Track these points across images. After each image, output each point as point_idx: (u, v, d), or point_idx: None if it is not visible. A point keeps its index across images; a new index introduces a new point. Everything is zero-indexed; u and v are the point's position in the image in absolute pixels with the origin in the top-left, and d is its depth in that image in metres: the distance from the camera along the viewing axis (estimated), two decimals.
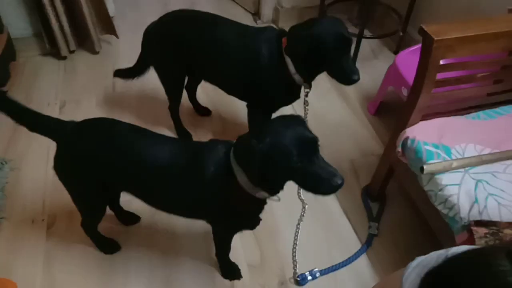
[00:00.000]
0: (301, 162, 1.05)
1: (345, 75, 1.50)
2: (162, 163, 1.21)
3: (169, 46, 1.70)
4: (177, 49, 1.69)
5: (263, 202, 1.27)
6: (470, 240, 1.21)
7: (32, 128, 1.31)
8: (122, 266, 1.59)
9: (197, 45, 1.65)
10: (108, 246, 1.62)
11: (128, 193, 1.35)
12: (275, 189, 1.19)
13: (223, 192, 1.19)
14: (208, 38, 1.63)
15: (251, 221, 1.37)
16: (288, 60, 1.52)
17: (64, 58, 2.54)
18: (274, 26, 2.55)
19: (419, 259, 0.91)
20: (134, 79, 1.98)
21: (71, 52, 2.56)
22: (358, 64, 2.48)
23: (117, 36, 2.62)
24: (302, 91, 1.66)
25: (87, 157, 1.24)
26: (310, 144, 1.07)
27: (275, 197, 1.21)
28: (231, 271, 1.57)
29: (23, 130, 2.10)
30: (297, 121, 1.11)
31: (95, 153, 1.23)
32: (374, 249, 1.66)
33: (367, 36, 2.56)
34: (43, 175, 1.88)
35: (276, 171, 1.08)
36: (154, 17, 1.77)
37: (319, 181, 1.06)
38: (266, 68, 1.57)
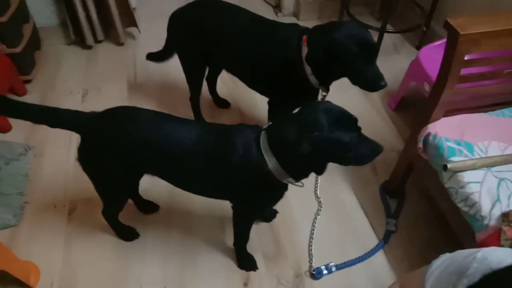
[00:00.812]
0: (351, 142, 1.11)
1: (369, 83, 1.45)
2: (189, 145, 1.22)
3: (193, 32, 1.70)
4: (201, 36, 1.69)
5: (285, 188, 1.29)
6: (492, 238, 1.19)
7: (53, 125, 1.32)
8: (139, 252, 1.62)
9: (221, 34, 1.66)
10: (127, 233, 1.65)
11: (154, 175, 1.37)
12: (303, 176, 1.21)
13: (250, 175, 1.20)
14: (232, 28, 1.64)
15: (273, 204, 1.40)
16: (305, 61, 1.48)
17: (90, 47, 2.58)
18: (297, 22, 2.53)
19: (443, 257, 0.89)
20: (164, 61, 2.00)
21: (98, 42, 2.61)
22: (379, 59, 2.44)
23: (139, 30, 2.64)
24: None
25: (113, 146, 1.26)
26: (351, 121, 1.14)
27: (299, 183, 1.23)
28: (247, 262, 1.58)
29: None
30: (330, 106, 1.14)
31: (120, 140, 1.25)
32: (391, 245, 1.65)
33: (389, 30, 2.52)
34: (65, 162, 1.93)
35: (325, 158, 1.14)
36: (175, 7, 1.78)
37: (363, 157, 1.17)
38: (284, 65, 1.54)
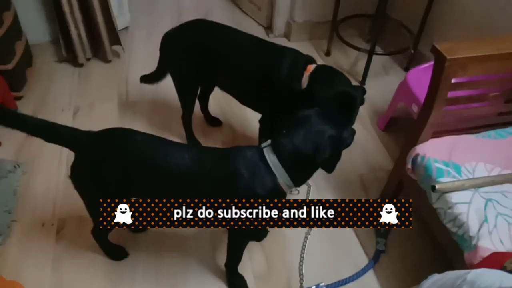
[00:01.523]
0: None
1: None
2: (189, 169, 1.22)
3: (188, 51, 1.73)
4: (197, 55, 1.72)
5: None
6: (483, 260, 1.20)
7: (49, 139, 1.31)
8: (129, 272, 1.60)
9: (219, 54, 1.69)
10: (116, 253, 1.63)
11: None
12: (305, 181, 1.29)
13: (257, 196, 1.18)
14: (231, 48, 1.67)
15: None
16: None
17: (81, 65, 2.59)
18: (288, 42, 2.58)
19: (433, 278, 0.90)
20: (157, 83, 2.01)
21: (87, 59, 2.61)
22: (368, 80, 2.52)
23: (123, 48, 2.66)
24: None
25: (108, 165, 1.25)
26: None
27: (295, 190, 1.30)
28: (238, 283, 1.57)
29: None
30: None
31: (116, 161, 1.25)
32: (382, 265, 1.65)
33: (378, 52, 2.58)
34: (55, 179, 1.91)
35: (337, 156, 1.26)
36: (168, 27, 1.81)
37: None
38: (283, 86, 1.59)
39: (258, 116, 1.84)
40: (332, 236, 1.75)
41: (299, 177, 1.25)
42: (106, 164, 1.26)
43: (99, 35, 2.51)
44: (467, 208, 1.27)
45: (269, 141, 1.23)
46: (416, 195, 1.53)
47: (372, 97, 2.42)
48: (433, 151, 1.43)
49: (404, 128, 2.20)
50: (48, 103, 2.35)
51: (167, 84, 1.93)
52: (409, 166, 1.48)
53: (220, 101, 2.31)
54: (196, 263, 1.64)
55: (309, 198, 1.56)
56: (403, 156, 1.55)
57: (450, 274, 0.87)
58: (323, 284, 1.55)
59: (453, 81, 1.34)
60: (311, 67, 1.55)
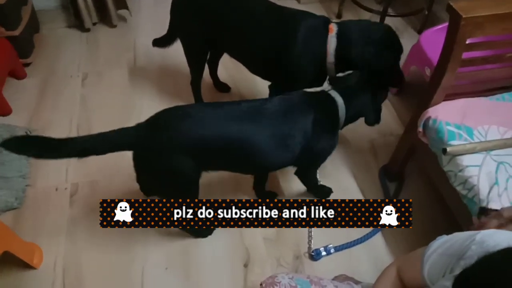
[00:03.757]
0: None
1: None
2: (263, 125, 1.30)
3: (199, 16, 1.69)
4: (208, 20, 1.68)
5: None
6: None
7: (103, 152, 1.27)
8: (142, 235, 1.63)
9: (226, 17, 1.65)
10: (204, 230, 1.63)
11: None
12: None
13: (332, 133, 1.44)
14: (245, 13, 1.63)
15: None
16: (331, 50, 1.52)
17: (88, 30, 2.56)
18: (298, 5, 2.51)
19: (442, 239, 0.90)
20: (169, 46, 1.97)
21: (94, 24, 2.58)
22: None
23: (130, 13, 2.62)
24: None
25: (177, 147, 1.24)
26: None
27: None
28: (326, 192, 1.74)
29: (47, 101, 2.18)
30: None
31: (182, 141, 1.23)
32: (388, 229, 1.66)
33: (391, 14, 2.51)
34: None
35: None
36: None
37: None
38: (303, 52, 1.55)
39: (267, 82, 1.81)
40: (342, 198, 1.75)
41: (347, 123, 1.47)
42: (174, 145, 1.24)
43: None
44: (478, 171, 1.26)
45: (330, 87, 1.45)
46: (427, 159, 1.52)
47: None
48: (445, 114, 1.40)
49: (416, 92, 2.16)
50: (57, 69, 2.35)
51: (176, 49, 1.91)
52: (420, 129, 1.46)
53: (229, 67, 2.28)
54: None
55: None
56: (414, 119, 1.53)
57: (459, 235, 0.87)
58: (331, 245, 1.58)
59: (468, 41, 1.29)
60: (333, 27, 1.52)
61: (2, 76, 2.09)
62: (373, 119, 1.50)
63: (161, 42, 1.99)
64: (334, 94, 1.42)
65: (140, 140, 1.24)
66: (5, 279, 1.48)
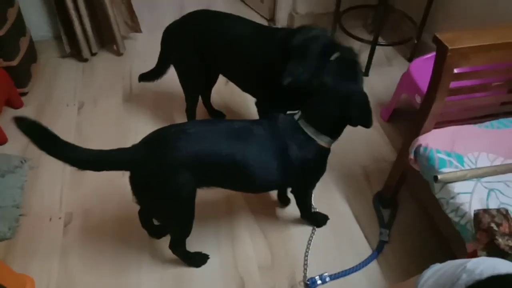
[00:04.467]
0: None
1: None
2: (252, 148, 1.32)
3: (193, 43, 1.75)
4: (201, 46, 1.73)
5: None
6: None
7: (102, 168, 1.29)
8: (136, 264, 1.62)
9: (217, 40, 1.70)
10: (198, 259, 1.63)
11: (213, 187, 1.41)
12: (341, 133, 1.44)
13: (309, 159, 1.38)
14: (226, 34, 1.69)
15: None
16: None
17: (86, 60, 2.60)
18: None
19: (435, 268, 0.90)
20: (157, 80, 2.02)
21: (93, 54, 2.63)
22: (372, 71, 2.52)
23: (140, 31, 2.71)
24: None
25: (173, 163, 1.25)
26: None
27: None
28: (321, 219, 1.76)
29: None
30: None
31: (178, 157, 1.24)
32: (385, 255, 1.66)
33: (382, 43, 2.57)
34: (61, 174, 1.94)
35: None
36: (170, 19, 1.83)
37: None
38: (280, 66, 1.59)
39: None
40: (336, 227, 1.76)
41: (336, 133, 1.42)
42: (173, 164, 1.25)
43: (109, 28, 2.53)
44: (470, 198, 1.28)
45: (299, 114, 1.39)
46: (419, 186, 1.54)
47: (376, 88, 2.42)
48: (436, 142, 1.43)
49: (408, 119, 2.20)
50: (53, 98, 2.37)
51: (171, 78, 1.95)
52: (411, 156, 1.48)
53: (223, 94, 2.32)
54: (201, 250, 1.66)
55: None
56: (405, 147, 1.55)
57: (451, 263, 0.88)
58: (326, 274, 1.57)
59: (455, 71, 1.33)
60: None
61: (0, 105, 2.11)
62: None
63: (148, 77, 2.04)
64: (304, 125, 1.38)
65: (136, 157, 1.26)
66: None
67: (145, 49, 2.69)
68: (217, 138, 1.30)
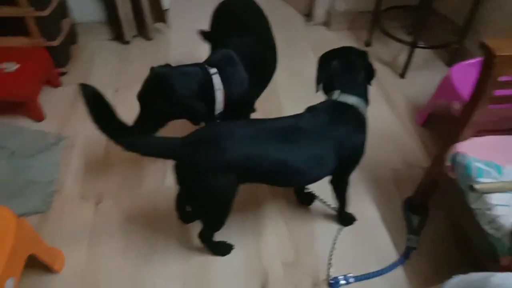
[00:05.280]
0: None
1: None
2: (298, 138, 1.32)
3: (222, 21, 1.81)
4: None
5: None
6: None
7: (148, 153, 1.31)
8: (162, 249, 1.65)
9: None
10: (223, 248, 1.64)
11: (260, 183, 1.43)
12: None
13: (362, 128, 1.43)
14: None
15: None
16: None
17: (127, 42, 2.66)
18: (327, 31, 2.53)
19: (457, 279, 0.88)
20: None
21: (133, 37, 2.68)
22: (409, 73, 2.47)
23: (167, 25, 2.73)
24: None
25: (221, 164, 1.25)
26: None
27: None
28: (348, 219, 1.75)
29: (79, 111, 2.24)
30: None
31: (226, 158, 1.25)
32: (411, 262, 1.64)
33: (420, 45, 2.51)
34: (95, 155, 1.99)
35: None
36: (205, 11, 1.86)
37: None
38: None
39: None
40: (362, 229, 1.74)
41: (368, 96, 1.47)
42: (226, 161, 1.25)
43: (141, 13, 2.57)
44: (508, 210, 1.24)
45: (337, 92, 1.41)
46: (452, 195, 1.50)
47: (412, 91, 2.38)
48: (474, 150, 1.39)
49: (443, 125, 2.15)
50: (90, 80, 2.42)
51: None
52: (448, 164, 1.45)
53: None
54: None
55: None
56: (441, 153, 1.52)
57: (474, 276, 0.86)
58: (351, 275, 1.56)
59: (500, 79, 1.29)
60: None
61: (39, 84, 2.18)
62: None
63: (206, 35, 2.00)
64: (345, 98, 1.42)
65: (184, 152, 1.27)
66: (26, 282, 1.50)
67: (179, 38, 2.73)
68: (266, 141, 1.29)
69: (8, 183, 1.81)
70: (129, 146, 1.26)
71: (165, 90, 1.43)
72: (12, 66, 2.11)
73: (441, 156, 1.51)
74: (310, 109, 1.41)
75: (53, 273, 1.56)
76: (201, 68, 1.54)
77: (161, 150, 1.30)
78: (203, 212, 1.43)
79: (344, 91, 1.40)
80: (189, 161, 1.26)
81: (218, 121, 1.62)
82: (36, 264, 1.49)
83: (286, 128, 1.33)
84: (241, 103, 1.65)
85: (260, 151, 1.28)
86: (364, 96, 1.44)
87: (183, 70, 1.52)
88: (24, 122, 2.14)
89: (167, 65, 1.53)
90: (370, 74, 1.48)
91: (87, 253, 1.63)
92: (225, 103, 1.57)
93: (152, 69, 1.52)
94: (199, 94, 1.49)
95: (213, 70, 1.53)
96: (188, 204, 1.57)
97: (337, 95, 1.40)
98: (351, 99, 1.39)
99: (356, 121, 1.41)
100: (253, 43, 1.69)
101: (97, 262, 1.61)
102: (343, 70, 1.44)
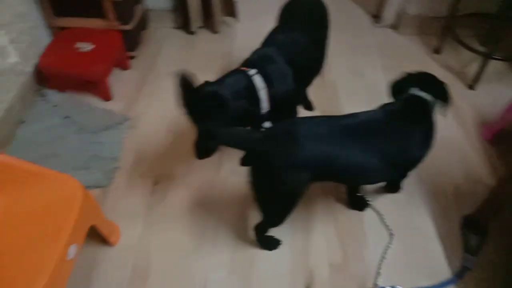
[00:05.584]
0: None
1: None
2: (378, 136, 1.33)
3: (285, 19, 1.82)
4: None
5: None
6: None
7: (229, 144, 1.35)
8: (211, 237, 1.69)
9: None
10: (272, 243, 1.66)
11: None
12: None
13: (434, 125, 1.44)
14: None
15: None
16: None
17: (192, 33, 2.72)
18: (394, 34, 2.44)
19: None
20: None
21: (199, 27, 2.74)
22: (480, 85, 2.35)
23: (237, 19, 2.75)
24: None
25: (301, 164, 1.26)
26: None
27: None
28: (362, 204, 1.77)
29: (146, 92, 2.34)
30: None
31: (303, 157, 1.25)
32: (464, 283, 1.56)
33: (495, 57, 2.37)
34: (157, 138, 2.07)
35: None
36: (273, 7, 1.88)
37: None
38: None
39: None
40: (415, 242, 1.69)
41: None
42: (304, 158, 1.26)
43: (210, 5, 2.61)
44: None
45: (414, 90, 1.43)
46: None
47: (481, 104, 2.26)
48: None
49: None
50: (156, 66, 2.51)
51: None
52: None
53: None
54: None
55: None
56: (510, 173, 1.44)
57: None
58: (399, 287, 1.51)
59: None
60: None
61: (111, 65, 2.29)
62: None
63: None
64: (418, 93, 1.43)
65: (262, 147, 1.28)
66: (84, 251, 1.60)
67: (245, 32, 2.75)
68: (343, 141, 1.29)
69: (76, 156, 1.93)
70: (212, 136, 1.30)
71: (222, 105, 1.41)
72: (87, 46, 2.24)
73: (510, 176, 1.43)
74: (385, 106, 1.42)
75: (109, 246, 1.65)
76: (241, 73, 1.54)
77: (245, 141, 1.32)
78: (269, 206, 1.44)
79: (425, 90, 1.44)
80: (270, 155, 1.27)
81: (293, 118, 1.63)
82: (94, 235, 1.57)
83: (364, 126, 1.32)
84: (287, 99, 1.65)
85: (337, 152, 1.27)
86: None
87: (227, 82, 1.51)
88: (93, 101, 2.26)
89: (206, 82, 1.52)
90: (446, 104, 1.46)
91: (141, 230, 1.71)
92: (271, 101, 1.57)
93: (201, 88, 1.47)
94: (247, 99, 1.50)
95: (252, 71, 1.53)
96: (256, 195, 1.58)
97: (414, 92, 1.43)
98: (428, 97, 1.42)
99: (428, 123, 1.41)
100: (300, 40, 1.68)
101: (150, 241, 1.68)
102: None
